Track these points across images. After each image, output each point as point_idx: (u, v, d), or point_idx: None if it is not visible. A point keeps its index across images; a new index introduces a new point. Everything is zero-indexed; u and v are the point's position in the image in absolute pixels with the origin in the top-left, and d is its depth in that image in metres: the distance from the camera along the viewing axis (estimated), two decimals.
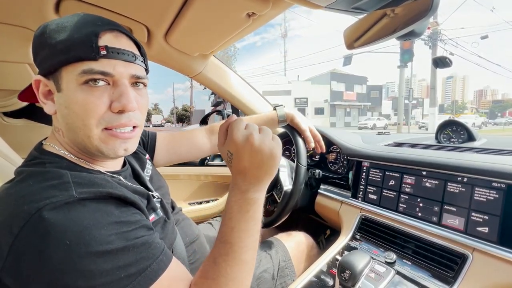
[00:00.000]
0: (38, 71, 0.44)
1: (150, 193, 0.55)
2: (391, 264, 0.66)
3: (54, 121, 0.46)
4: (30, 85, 0.45)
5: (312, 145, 0.88)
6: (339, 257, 0.74)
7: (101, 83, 0.41)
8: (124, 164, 0.54)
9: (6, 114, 1.24)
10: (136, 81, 0.45)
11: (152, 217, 0.50)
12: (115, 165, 0.51)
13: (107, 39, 0.42)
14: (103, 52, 0.40)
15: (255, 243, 0.45)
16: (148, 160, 0.67)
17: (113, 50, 0.41)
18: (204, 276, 0.42)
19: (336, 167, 1.10)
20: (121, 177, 0.47)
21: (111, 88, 0.42)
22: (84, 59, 0.40)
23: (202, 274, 0.43)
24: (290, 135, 0.89)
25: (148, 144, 0.76)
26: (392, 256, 0.67)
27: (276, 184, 0.90)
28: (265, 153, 0.44)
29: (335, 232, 1.08)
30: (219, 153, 1.67)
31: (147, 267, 0.38)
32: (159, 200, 0.58)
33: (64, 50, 0.40)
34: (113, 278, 0.35)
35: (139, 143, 0.68)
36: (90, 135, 0.42)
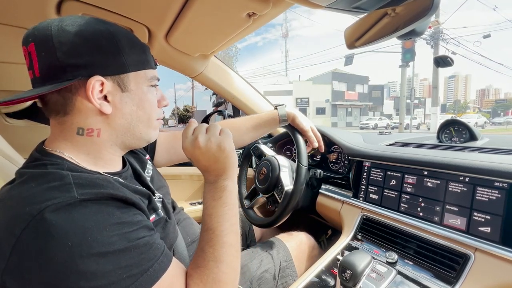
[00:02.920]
0: (84, 73, 0.41)
1: (152, 193, 0.56)
2: (392, 264, 0.66)
3: (82, 123, 0.44)
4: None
5: (316, 144, 0.89)
6: (340, 257, 0.74)
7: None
8: (124, 165, 0.54)
9: (9, 115, 1.25)
10: None
11: (153, 217, 0.51)
12: (116, 166, 0.51)
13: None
14: (158, 63, 0.53)
15: (234, 227, 0.50)
16: (148, 161, 0.67)
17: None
18: (196, 265, 0.46)
19: (337, 167, 1.10)
20: (121, 178, 0.48)
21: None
22: (152, 68, 0.50)
23: (193, 264, 0.47)
24: (291, 135, 0.89)
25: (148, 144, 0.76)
26: (394, 256, 0.67)
27: (277, 184, 0.90)
28: (214, 149, 0.50)
29: (336, 232, 1.08)
30: None
31: (149, 268, 0.38)
32: (161, 200, 0.58)
33: (142, 59, 0.48)
34: (115, 278, 0.35)
35: None
36: (150, 125, 0.51)
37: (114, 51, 0.43)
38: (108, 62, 0.43)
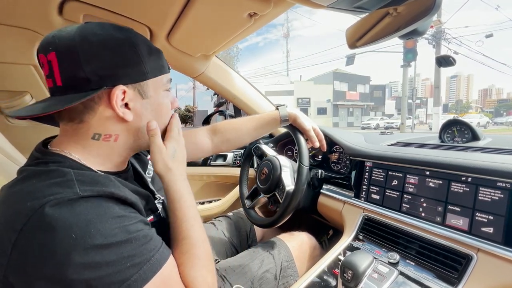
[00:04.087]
0: (110, 82, 0.42)
1: (153, 194, 0.56)
2: (394, 264, 0.66)
3: (101, 129, 0.45)
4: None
5: (317, 144, 0.88)
6: (341, 257, 0.74)
7: None
8: (126, 166, 0.54)
9: None
10: None
11: (150, 218, 0.51)
12: (118, 166, 0.51)
13: None
14: (170, 66, 0.54)
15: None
16: (149, 161, 0.67)
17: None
18: (181, 253, 0.47)
19: (339, 167, 1.10)
20: (121, 179, 0.48)
21: None
22: (167, 72, 0.52)
23: (179, 253, 0.48)
24: (292, 135, 0.89)
25: None
26: (395, 256, 0.67)
27: (278, 184, 0.90)
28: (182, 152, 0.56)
29: (338, 232, 1.08)
30: (222, 153, 1.66)
31: (151, 257, 0.39)
32: (161, 201, 0.58)
33: (159, 65, 0.49)
34: (119, 268, 0.36)
35: None
36: (163, 128, 0.53)
37: (136, 60, 0.45)
38: (130, 71, 0.44)
